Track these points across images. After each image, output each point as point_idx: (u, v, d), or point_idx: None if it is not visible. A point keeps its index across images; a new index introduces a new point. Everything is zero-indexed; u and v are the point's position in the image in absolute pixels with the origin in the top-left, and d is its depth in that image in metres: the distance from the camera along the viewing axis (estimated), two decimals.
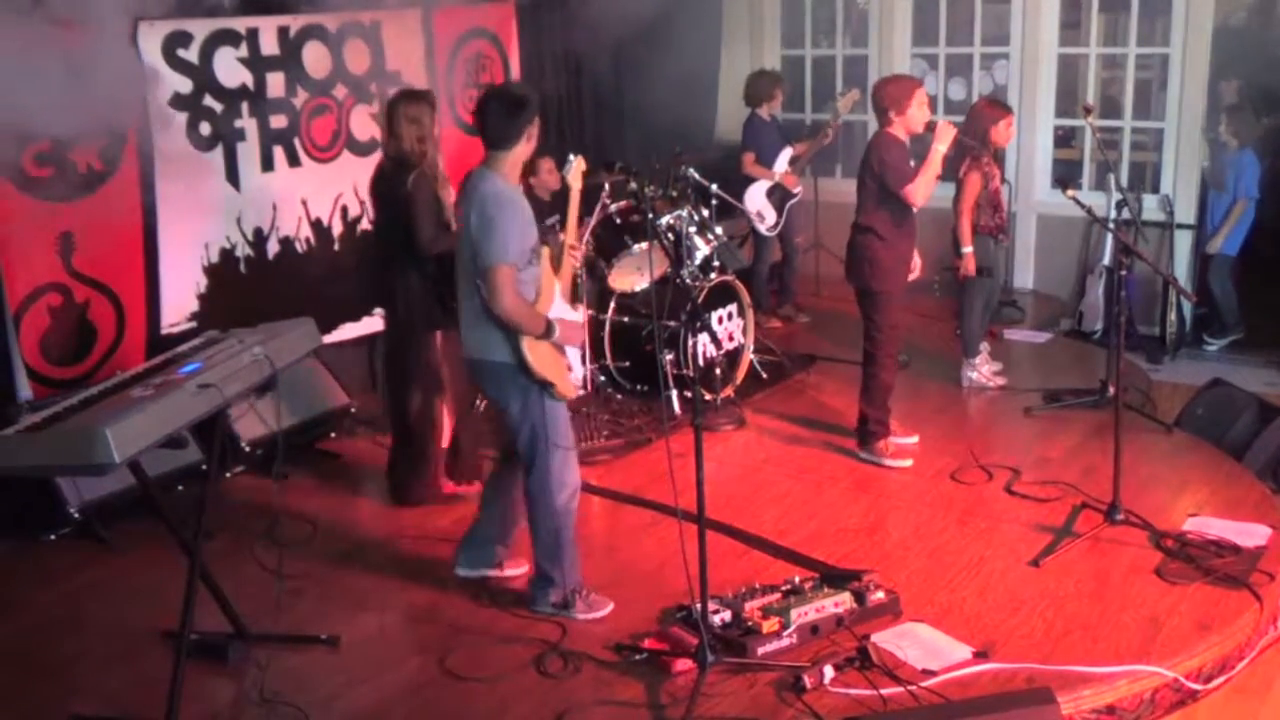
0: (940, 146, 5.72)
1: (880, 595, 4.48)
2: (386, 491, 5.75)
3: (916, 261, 6.14)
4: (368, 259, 6.13)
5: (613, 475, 5.98)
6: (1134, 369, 7.41)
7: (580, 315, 4.76)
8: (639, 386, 6.86)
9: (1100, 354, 7.33)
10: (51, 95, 4.94)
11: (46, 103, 4.93)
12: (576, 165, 4.92)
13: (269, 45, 6.56)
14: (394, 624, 4.63)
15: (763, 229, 8.26)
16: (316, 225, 6.89)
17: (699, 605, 4.12)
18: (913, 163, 5.79)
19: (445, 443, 5.67)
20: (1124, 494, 5.13)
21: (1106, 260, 8.33)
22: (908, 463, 5.96)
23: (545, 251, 4.52)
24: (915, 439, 6.18)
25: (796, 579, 4.56)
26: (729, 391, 6.87)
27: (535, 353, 4.34)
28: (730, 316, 6.96)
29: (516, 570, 4.86)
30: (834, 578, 4.61)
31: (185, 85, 6.16)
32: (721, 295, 6.88)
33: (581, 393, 4.58)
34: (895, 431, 6.12)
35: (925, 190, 5.73)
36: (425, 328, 5.43)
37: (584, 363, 6.73)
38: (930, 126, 5.78)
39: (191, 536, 4.14)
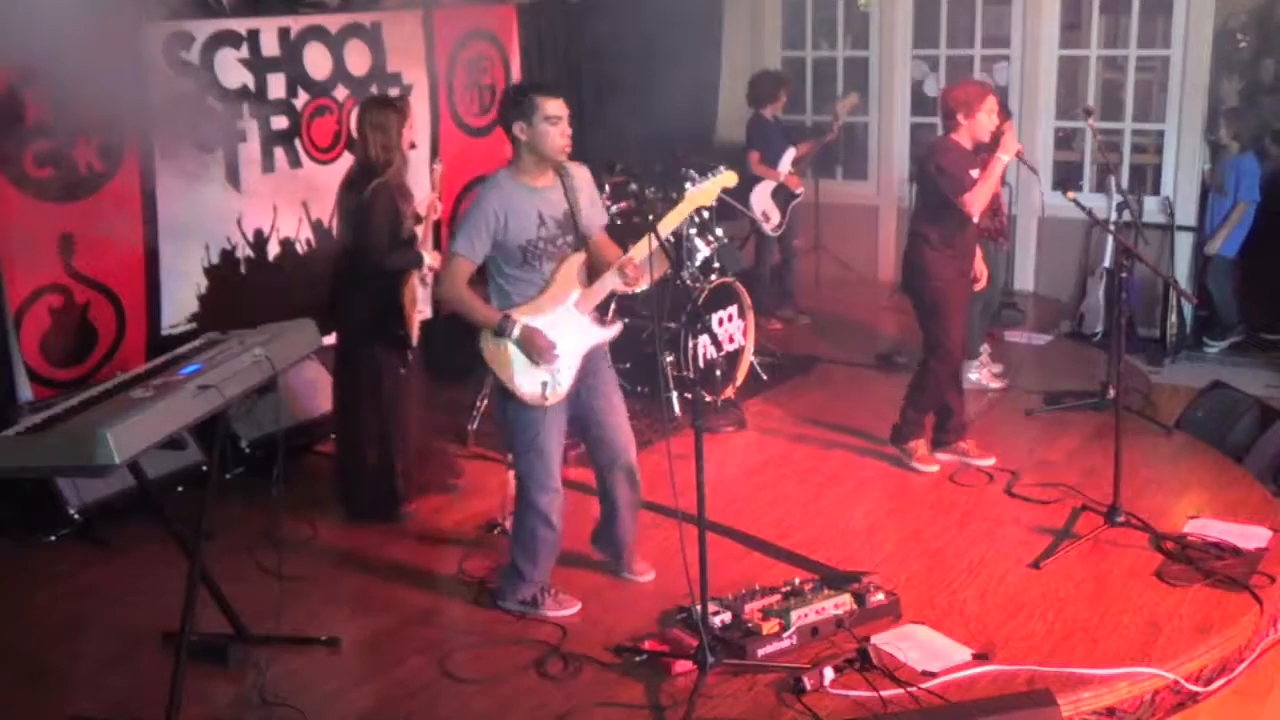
0: (1004, 156, 5.52)
1: (880, 597, 4.48)
2: (343, 511, 5.59)
3: (982, 270, 6.07)
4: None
5: None
6: (1134, 371, 7.41)
7: (603, 332, 4.58)
8: (639, 388, 6.85)
9: (1101, 356, 7.33)
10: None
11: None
12: (722, 178, 4.72)
13: (270, 46, 6.56)
14: (394, 625, 4.62)
15: (768, 229, 8.27)
16: (317, 226, 6.89)
17: (699, 607, 4.12)
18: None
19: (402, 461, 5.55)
20: (1124, 496, 5.13)
21: (1107, 262, 8.33)
22: (934, 468, 5.90)
23: (574, 258, 4.45)
24: (992, 460, 5.96)
25: (796, 580, 4.56)
26: (729, 393, 6.87)
27: (489, 348, 4.38)
28: (731, 318, 6.96)
29: (645, 576, 4.85)
30: (834, 579, 4.61)
31: (186, 86, 6.15)
32: (722, 297, 6.87)
33: (549, 402, 4.44)
34: (970, 453, 5.99)
35: (983, 200, 5.59)
36: (368, 343, 5.36)
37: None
38: (995, 136, 5.60)
39: (192, 538, 4.14)
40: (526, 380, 4.39)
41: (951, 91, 5.75)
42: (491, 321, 4.35)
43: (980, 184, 5.53)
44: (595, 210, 4.59)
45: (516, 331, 4.33)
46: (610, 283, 4.53)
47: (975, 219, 5.70)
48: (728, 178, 4.69)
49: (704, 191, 4.68)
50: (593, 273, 4.53)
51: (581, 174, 4.51)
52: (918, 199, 5.84)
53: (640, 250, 4.49)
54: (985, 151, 5.62)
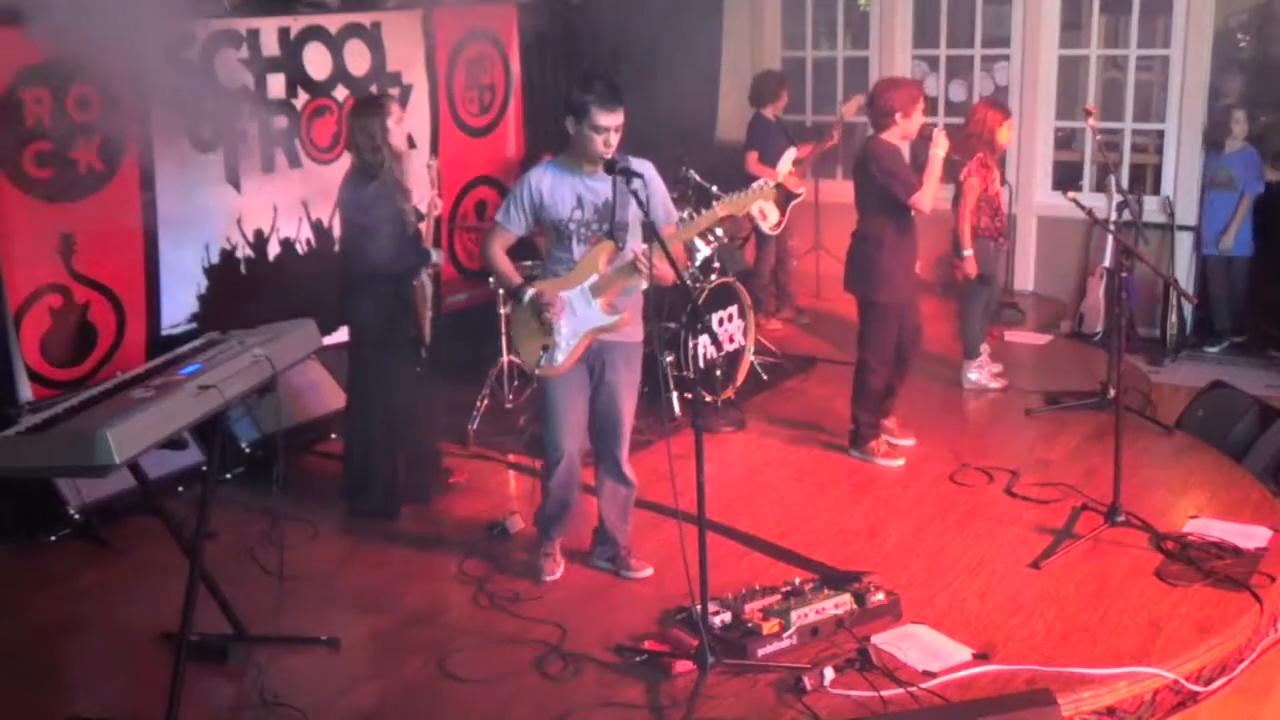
0: (939, 152, 5.72)
1: (880, 597, 4.47)
2: (347, 509, 5.61)
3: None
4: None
5: None
6: (1134, 371, 7.41)
7: (605, 319, 4.60)
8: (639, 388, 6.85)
9: (1101, 356, 7.33)
10: None
11: None
12: (764, 192, 4.69)
13: (269, 46, 6.56)
14: (394, 625, 4.63)
15: (765, 228, 8.27)
16: (317, 227, 6.88)
17: (699, 607, 4.12)
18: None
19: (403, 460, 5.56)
20: (1124, 496, 5.13)
21: (1107, 262, 8.33)
22: (899, 462, 5.98)
23: (604, 245, 4.52)
24: (912, 441, 6.19)
25: (797, 580, 4.56)
26: (729, 393, 6.87)
27: (511, 311, 4.87)
28: (731, 318, 6.96)
29: (642, 572, 4.90)
30: (834, 579, 4.61)
31: (186, 86, 6.14)
32: (722, 297, 6.88)
33: (538, 371, 4.65)
34: (893, 433, 6.16)
35: (931, 197, 5.72)
36: (381, 344, 5.37)
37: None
38: (926, 133, 5.79)
39: (192, 538, 4.14)
40: (527, 347, 4.67)
41: (887, 92, 5.86)
42: (511, 286, 4.65)
43: (927, 182, 5.70)
44: (660, 208, 4.56)
45: (526, 297, 4.55)
46: (627, 274, 4.55)
47: (924, 215, 5.85)
48: (766, 190, 4.66)
49: (736, 202, 4.62)
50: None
51: (645, 170, 4.49)
52: (861, 202, 5.91)
53: (658, 252, 4.48)
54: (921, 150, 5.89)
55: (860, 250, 5.93)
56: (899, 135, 5.80)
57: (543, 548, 4.94)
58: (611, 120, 4.41)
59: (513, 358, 6.47)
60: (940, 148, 5.74)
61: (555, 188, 4.55)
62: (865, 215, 5.91)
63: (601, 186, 4.53)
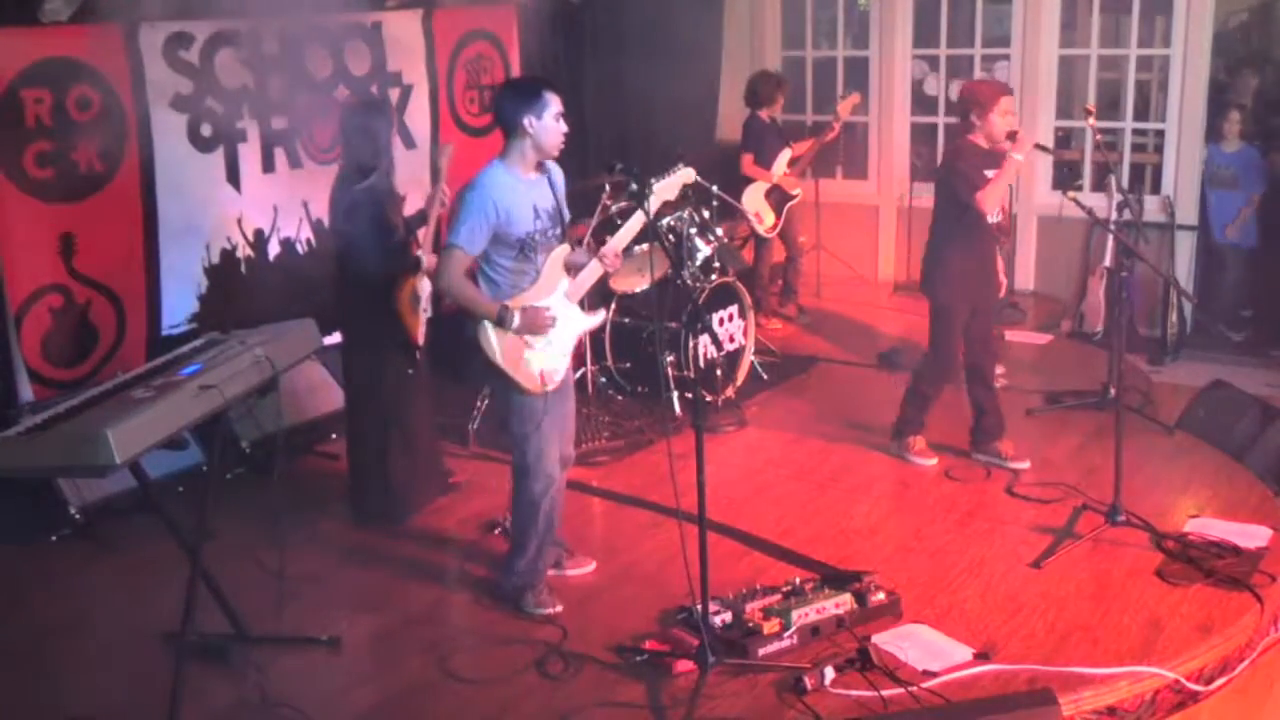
0: (1018, 155, 5.47)
1: (881, 596, 4.47)
2: (349, 514, 5.59)
3: (1000, 279, 6.13)
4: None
5: (614, 477, 5.99)
6: (1135, 370, 7.41)
7: (590, 320, 4.70)
8: (640, 388, 6.86)
9: (1101, 355, 7.32)
10: None
11: None
12: (682, 174, 4.82)
13: (270, 46, 6.54)
14: (394, 625, 4.63)
15: (761, 230, 8.27)
16: (317, 226, 6.88)
17: (700, 606, 4.13)
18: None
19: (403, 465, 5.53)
20: (1125, 495, 5.13)
21: (1107, 261, 8.33)
22: (933, 461, 5.97)
23: (560, 250, 4.51)
24: (1026, 464, 5.94)
25: (797, 580, 4.56)
26: (730, 393, 6.87)
27: (491, 338, 4.35)
28: (731, 318, 6.96)
29: (580, 570, 4.91)
30: (835, 579, 4.61)
31: (186, 86, 6.15)
32: (722, 296, 6.88)
33: (549, 388, 4.47)
34: (1007, 456, 5.95)
35: (995, 199, 5.53)
36: (368, 346, 5.36)
37: (588, 362, 6.73)
38: (1012, 136, 5.52)
39: (192, 538, 4.14)
40: (522, 370, 4.42)
41: (967, 90, 5.75)
42: (492, 313, 4.35)
43: (993, 183, 5.48)
44: (565, 206, 4.65)
45: (517, 320, 4.35)
46: (596, 272, 4.60)
47: (990, 217, 5.65)
48: (686, 174, 4.83)
49: (668, 186, 4.79)
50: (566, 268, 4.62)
51: (557, 170, 4.57)
52: (936, 200, 5.83)
53: (618, 240, 4.65)
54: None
55: (930, 249, 5.88)
56: (984, 138, 5.58)
57: (537, 590, 4.63)
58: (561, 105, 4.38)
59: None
60: (1020, 151, 5.45)
61: (514, 201, 4.34)
62: (937, 214, 5.83)
63: (544, 191, 4.45)
